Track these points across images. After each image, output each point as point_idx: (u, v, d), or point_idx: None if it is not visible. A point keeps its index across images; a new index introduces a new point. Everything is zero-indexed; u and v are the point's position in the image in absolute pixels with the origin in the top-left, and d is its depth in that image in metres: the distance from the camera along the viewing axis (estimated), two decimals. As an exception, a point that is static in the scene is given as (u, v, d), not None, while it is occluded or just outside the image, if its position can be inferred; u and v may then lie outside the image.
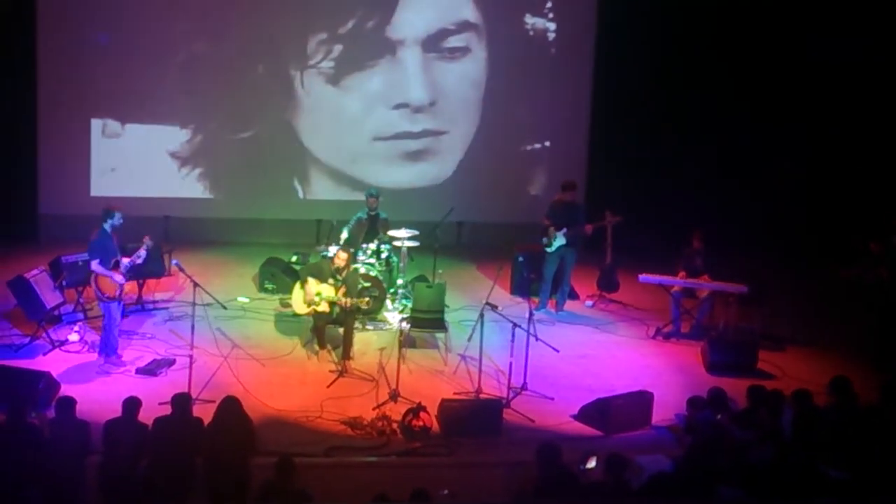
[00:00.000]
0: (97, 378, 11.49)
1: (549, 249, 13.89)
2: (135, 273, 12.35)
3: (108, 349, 11.78)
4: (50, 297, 12.49)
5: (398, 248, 13.89)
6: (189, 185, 16.59)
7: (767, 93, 16.67)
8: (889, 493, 8.73)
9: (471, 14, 16.73)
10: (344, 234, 13.82)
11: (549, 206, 14.06)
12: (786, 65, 16.63)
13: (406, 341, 12.23)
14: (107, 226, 11.66)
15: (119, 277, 11.62)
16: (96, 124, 16.19)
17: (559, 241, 13.78)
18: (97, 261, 11.54)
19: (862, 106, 16.56)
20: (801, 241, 16.81)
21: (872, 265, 12.73)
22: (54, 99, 15.97)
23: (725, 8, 16.44)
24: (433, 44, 16.67)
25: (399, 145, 16.90)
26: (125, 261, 11.75)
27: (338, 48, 16.52)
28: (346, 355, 12.06)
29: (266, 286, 14.36)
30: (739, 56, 16.58)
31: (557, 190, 14.18)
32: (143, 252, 11.82)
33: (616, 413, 10.92)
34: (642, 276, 13.55)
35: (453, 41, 16.70)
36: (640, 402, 11.16)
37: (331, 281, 12.18)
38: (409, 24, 16.60)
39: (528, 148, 17.23)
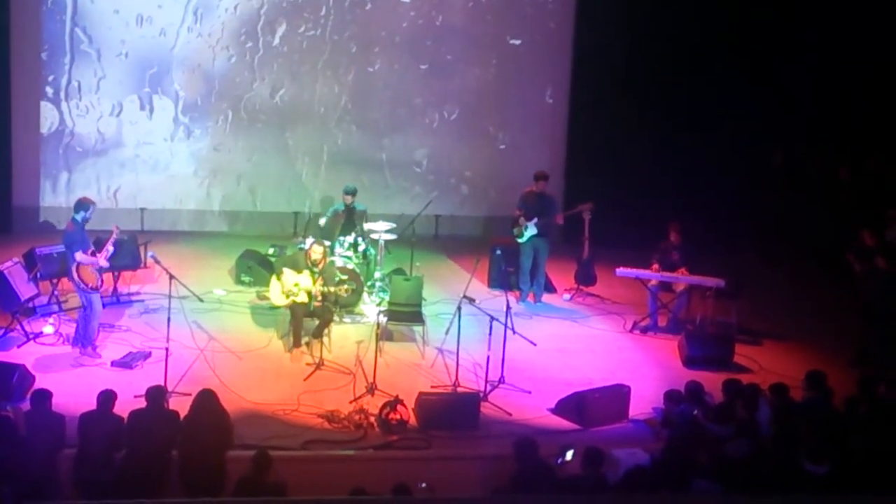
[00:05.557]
0: (72, 371, 11.42)
1: (520, 240, 13.91)
2: (110, 265, 12.27)
3: (84, 340, 11.69)
4: (24, 289, 12.38)
5: (375, 241, 13.86)
6: (165, 178, 16.47)
7: (747, 83, 16.69)
8: (865, 487, 8.77)
9: (450, 12, 16.67)
10: (322, 221, 13.98)
11: (520, 197, 14.06)
12: (767, 57, 16.67)
13: (383, 334, 12.21)
14: (78, 217, 11.62)
15: (104, 262, 11.61)
16: (69, 115, 16.05)
17: (530, 230, 13.79)
18: (80, 251, 11.49)
19: (842, 98, 16.67)
20: (779, 235, 16.86)
21: (867, 255, 12.65)
22: (28, 90, 15.82)
23: (705, 2, 16.46)
24: (413, 43, 16.62)
25: (376, 139, 16.83)
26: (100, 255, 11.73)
27: (315, 48, 16.45)
28: (317, 334, 12.01)
29: (243, 279, 14.29)
30: (719, 48, 16.59)
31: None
32: (110, 246, 11.76)
33: (593, 407, 10.95)
34: (619, 270, 13.58)
35: (433, 41, 16.63)
36: (618, 395, 11.19)
37: (306, 273, 12.13)
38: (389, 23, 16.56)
39: (507, 140, 17.18)
